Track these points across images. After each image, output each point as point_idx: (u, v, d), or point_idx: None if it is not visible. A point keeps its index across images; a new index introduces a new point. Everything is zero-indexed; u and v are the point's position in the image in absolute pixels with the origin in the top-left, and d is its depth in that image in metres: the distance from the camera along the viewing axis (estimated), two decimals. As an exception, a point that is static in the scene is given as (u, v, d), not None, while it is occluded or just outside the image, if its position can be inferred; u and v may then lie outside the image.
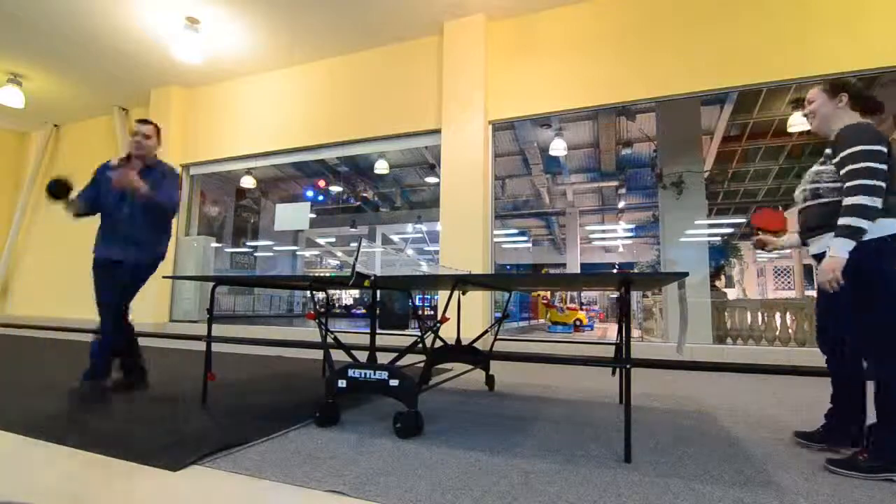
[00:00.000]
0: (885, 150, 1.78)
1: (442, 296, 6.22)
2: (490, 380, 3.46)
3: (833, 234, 1.81)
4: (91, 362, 2.99)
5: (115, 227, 3.07)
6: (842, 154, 1.84)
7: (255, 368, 4.32)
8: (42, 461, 1.80)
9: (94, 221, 3.21)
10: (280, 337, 6.82)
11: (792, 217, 2.28)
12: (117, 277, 3.01)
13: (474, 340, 3.45)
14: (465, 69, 6.12)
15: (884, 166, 1.76)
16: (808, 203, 2.05)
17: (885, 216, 1.78)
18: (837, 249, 1.78)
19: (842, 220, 1.78)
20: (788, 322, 6.18)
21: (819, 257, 1.99)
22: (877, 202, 1.74)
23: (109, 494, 1.52)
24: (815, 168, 2.03)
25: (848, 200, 1.78)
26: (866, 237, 1.77)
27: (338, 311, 21.13)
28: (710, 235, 8.46)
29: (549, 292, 13.21)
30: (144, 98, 8.52)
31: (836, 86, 2.01)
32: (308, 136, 7.38)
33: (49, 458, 1.83)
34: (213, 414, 2.52)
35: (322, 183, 13.01)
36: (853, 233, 1.75)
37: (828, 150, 1.99)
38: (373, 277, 2.36)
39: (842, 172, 1.84)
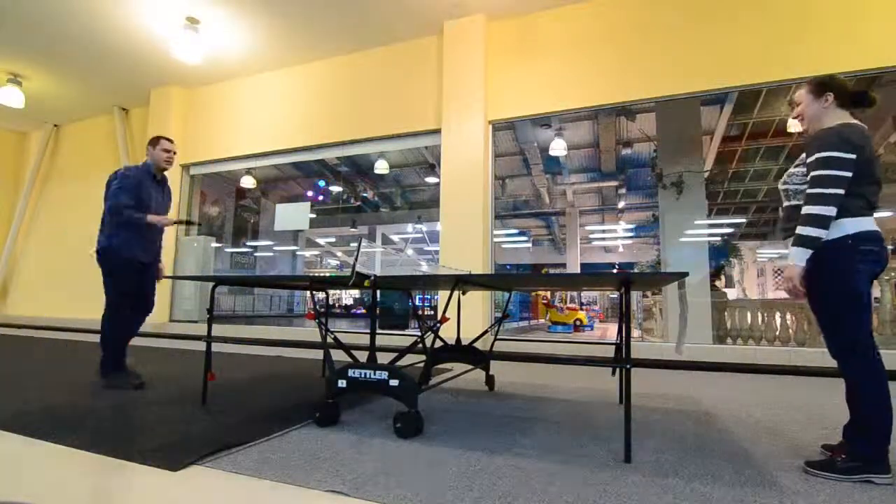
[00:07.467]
0: (849, 156, 1.74)
1: (442, 296, 6.22)
2: (490, 380, 3.46)
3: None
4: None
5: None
6: (808, 160, 1.83)
7: (255, 368, 4.33)
8: (42, 461, 1.80)
9: (92, 223, 3.38)
10: (280, 337, 6.81)
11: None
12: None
13: (474, 340, 3.44)
14: (465, 69, 6.11)
15: (844, 173, 1.73)
16: (784, 203, 2.03)
17: (846, 216, 1.76)
18: (794, 258, 1.80)
19: (798, 230, 1.79)
20: (788, 322, 6.18)
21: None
22: (831, 210, 1.73)
23: (109, 494, 1.52)
24: (791, 169, 1.99)
25: (805, 209, 1.78)
26: (828, 237, 1.76)
27: (338, 310, 21.12)
28: (710, 235, 8.46)
29: (549, 292, 13.21)
30: (144, 98, 8.52)
31: (821, 85, 1.93)
32: (308, 136, 7.37)
33: (49, 458, 1.82)
34: (213, 414, 2.52)
35: (322, 183, 13.02)
36: (809, 242, 1.77)
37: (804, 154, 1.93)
38: (373, 277, 2.36)
39: (808, 178, 1.82)
